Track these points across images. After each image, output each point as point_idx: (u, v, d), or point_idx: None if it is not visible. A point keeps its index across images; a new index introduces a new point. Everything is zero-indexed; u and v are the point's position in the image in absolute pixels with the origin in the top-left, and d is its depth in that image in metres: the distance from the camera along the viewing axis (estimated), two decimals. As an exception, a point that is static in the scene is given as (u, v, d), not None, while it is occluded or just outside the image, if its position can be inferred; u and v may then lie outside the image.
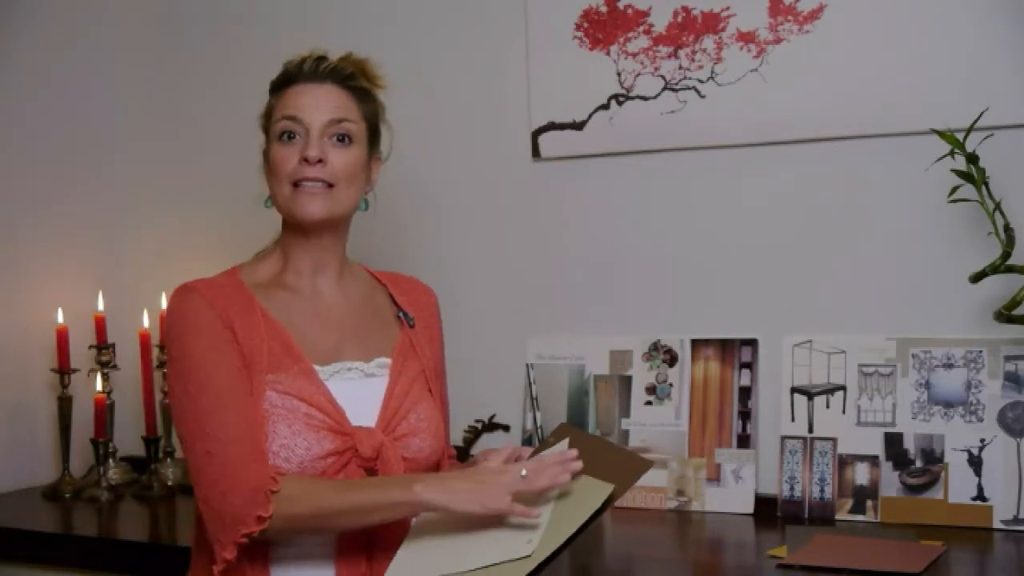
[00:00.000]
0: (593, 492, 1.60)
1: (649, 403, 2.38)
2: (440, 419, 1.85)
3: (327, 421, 1.70)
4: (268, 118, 1.82)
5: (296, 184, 1.76)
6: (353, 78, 1.82)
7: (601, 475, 1.61)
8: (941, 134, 1.99)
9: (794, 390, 2.26)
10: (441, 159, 2.57)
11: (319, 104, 1.78)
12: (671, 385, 2.37)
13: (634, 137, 2.39)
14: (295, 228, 1.81)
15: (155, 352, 2.72)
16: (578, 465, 1.62)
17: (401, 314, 1.90)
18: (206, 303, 1.72)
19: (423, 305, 1.94)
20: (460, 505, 1.60)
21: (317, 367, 1.75)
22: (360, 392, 1.76)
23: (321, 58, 1.81)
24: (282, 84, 1.82)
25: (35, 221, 2.73)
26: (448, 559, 1.60)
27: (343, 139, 1.78)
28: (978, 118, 1.99)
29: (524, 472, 1.60)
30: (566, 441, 1.70)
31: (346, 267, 1.88)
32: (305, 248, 1.82)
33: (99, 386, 2.66)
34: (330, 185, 1.77)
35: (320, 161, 1.75)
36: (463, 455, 2.46)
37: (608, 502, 1.60)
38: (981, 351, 2.13)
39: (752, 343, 2.32)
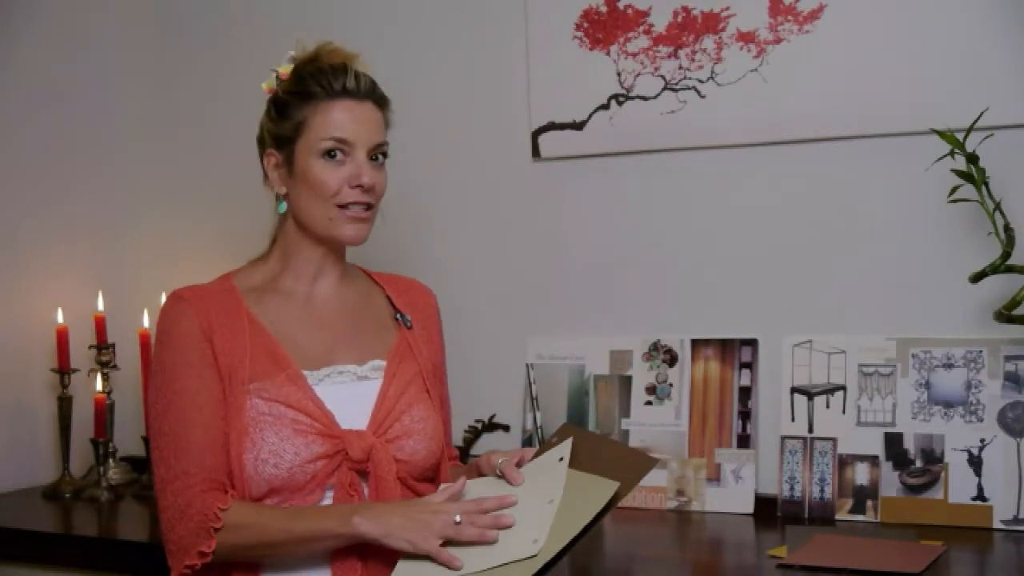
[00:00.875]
0: (598, 490, 1.59)
1: (649, 403, 2.38)
2: (437, 421, 1.84)
3: (315, 425, 1.70)
4: (298, 127, 1.77)
5: (341, 206, 1.76)
6: (383, 96, 1.82)
7: (606, 473, 1.61)
8: (941, 134, 1.99)
9: (794, 390, 2.26)
10: (441, 159, 2.57)
11: (365, 126, 1.78)
12: (671, 385, 2.37)
13: (634, 137, 2.39)
14: (307, 234, 1.81)
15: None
16: (509, 520, 1.60)
17: (398, 316, 1.89)
18: (191, 313, 1.73)
19: (421, 306, 1.93)
20: (392, 540, 1.61)
21: (307, 372, 1.75)
22: (351, 395, 1.76)
23: (356, 71, 1.78)
24: (316, 95, 1.77)
25: (35, 221, 2.73)
26: None
27: (377, 158, 1.80)
28: (978, 118, 1.99)
29: (458, 518, 1.59)
30: (568, 442, 1.69)
31: (345, 270, 1.89)
32: (312, 254, 1.82)
33: (99, 386, 2.66)
34: (371, 206, 1.79)
35: (372, 187, 1.77)
36: (463, 455, 2.47)
37: (613, 500, 1.59)
38: (981, 351, 2.13)
39: (752, 343, 2.32)
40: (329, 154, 1.76)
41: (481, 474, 1.75)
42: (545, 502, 1.60)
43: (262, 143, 1.84)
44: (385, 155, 1.82)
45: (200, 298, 1.76)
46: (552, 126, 2.46)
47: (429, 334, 1.92)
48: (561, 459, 1.66)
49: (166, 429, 1.70)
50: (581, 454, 1.66)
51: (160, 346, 1.76)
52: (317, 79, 1.77)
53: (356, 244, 1.81)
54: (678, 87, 2.35)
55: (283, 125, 1.79)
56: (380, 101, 1.82)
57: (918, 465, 2.15)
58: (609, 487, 1.59)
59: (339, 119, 1.76)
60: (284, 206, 1.81)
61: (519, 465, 1.70)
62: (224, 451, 1.68)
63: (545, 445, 1.74)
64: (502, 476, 1.69)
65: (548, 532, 1.56)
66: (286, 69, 1.82)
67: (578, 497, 1.60)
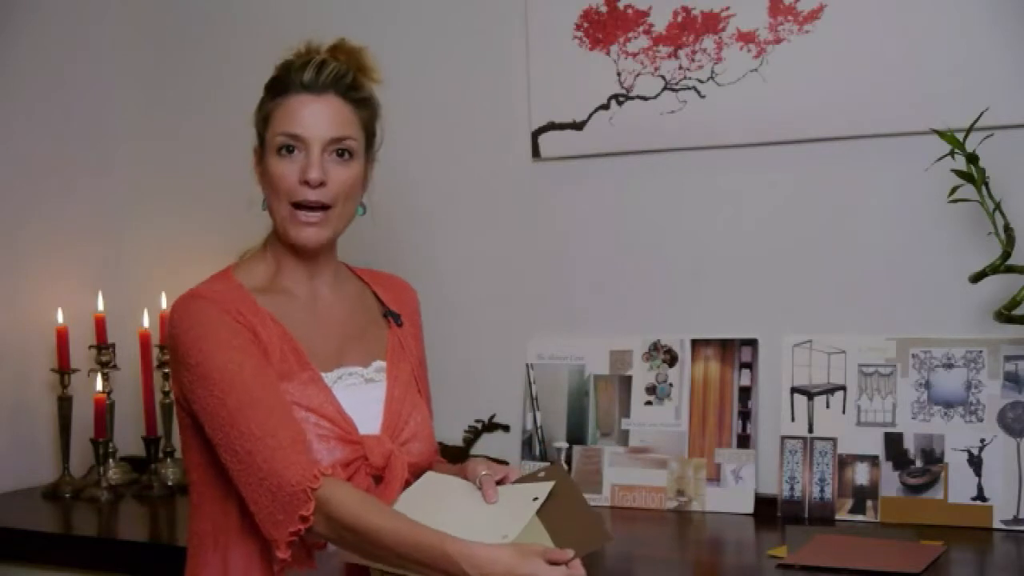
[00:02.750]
0: (542, 541, 1.58)
1: (649, 403, 2.38)
2: (430, 420, 1.85)
3: (335, 430, 1.68)
4: (265, 122, 1.75)
5: (295, 204, 1.72)
6: (354, 88, 1.76)
7: (564, 534, 1.59)
8: (941, 134, 1.99)
9: (794, 390, 2.26)
10: (441, 159, 2.57)
11: (321, 120, 1.72)
12: (671, 385, 2.37)
13: (634, 137, 2.39)
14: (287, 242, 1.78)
15: (155, 352, 2.72)
16: None
17: (388, 314, 1.88)
18: (219, 309, 1.67)
19: (406, 302, 1.92)
20: None
21: (322, 374, 1.73)
22: (362, 398, 1.75)
23: (322, 64, 1.73)
24: (280, 90, 1.74)
25: (35, 221, 2.73)
26: None
27: (343, 154, 1.74)
28: (978, 118, 1.99)
29: None
30: (548, 486, 1.66)
31: (337, 268, 1.87)
32: (297, 260, 1.79)
33: (99, 386, 2.66)
34: (328, 206, 1.73)
35: (322, 183, 1.71)
36: (463, 455, 2.47)
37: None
38: (981, 351, 2.13)
39: (752, 343, 2.32)
40: (285, 148, 1.72)
41: (466, 478, 1.74)
42: (499, 535, 1.57)
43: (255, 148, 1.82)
44: (350, 151, 1.74)
45: (220, 296, 1.70)
46: (552, 126, 2.46)
47: (414, 330, 1.92)
48: (535, 499, 1.64)
49: (234, 407, 1.60)
50: (554, 504, 1.63)
51: (194, 342, 1.65)
52: (284, 73, 1.75)
53: (310, 247, 1.75)
54: (678, 87, 2.35)
55: (256, 120, 1.78)
56: (348, 93, 1.75)
57: (918, 465, 2.14)
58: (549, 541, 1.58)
59: (293, 113, 1.72)
60: (264, 204, 1.78)
61: (502, 483, 1.69)
62: (296, 418, 1.63)
63: (530, 475, 1.72)
64: (479, 488, 1.68)
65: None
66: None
67: (523, 539, 1.58)
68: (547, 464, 1.76)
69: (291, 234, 1.74)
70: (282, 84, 1.75)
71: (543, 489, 1.65)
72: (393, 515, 1.58)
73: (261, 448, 1.59)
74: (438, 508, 1.65)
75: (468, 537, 1.53)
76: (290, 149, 1.72)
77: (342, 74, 1.75)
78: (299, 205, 1.72)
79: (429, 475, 1.75)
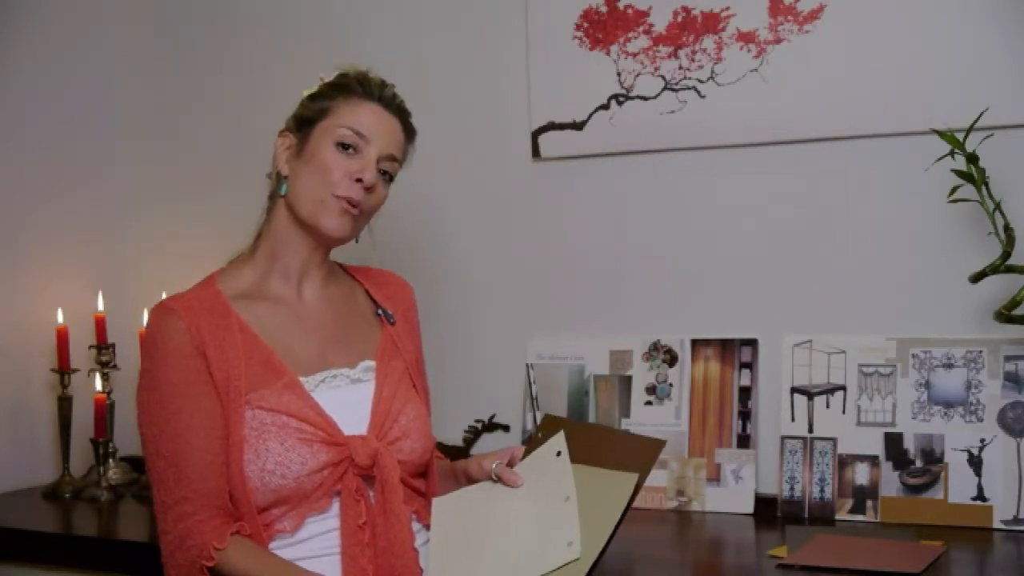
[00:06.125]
0: (617, 484, 1.54)
1: (649, 403, 2.38)
2: (427, 416, 1.85)
3: (318, 433, 1.69)
4: (323, 113, 1.80)
5: (336, 196, 1.76)
6: (411, 128, 1.86)
7: (615, 464, 1.56)
8: (941, 134, 1.99)
9: (794, 390, 2.26)
10: (441, 159, 2.57)
11: (386, 133, 1.80)
12: (671, 385, 2.37)
13: (634, 137, 2.39)
14: (297, 224, 1.79)
15: (155, 352, 2.71)
16: None
17: (381, 312, 1.89)
18: (182, 327, 1.70)
19: (400, 298, 1.94)
20: None
21: (302, 378, 1.73)
22: (348, 399, 1.75)
23: (394, 91, 1.83)
24: (351, 91, 1.81)
25: (35, 221, 2.73)
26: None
27: (385, 174, 1.81)
28: (978, 118, 1.99)
29: None
30: (561, 435, 1.65)
31: (330, 269, 1.88)
32: (300, 247, 1.81)
33: (99, 386, 2.66)
34: (361, 212, 1.79)
35: (369, 189, 1.77)
36: (463, 455, 2.46)
37: (635, 491, 1.55)
38: (981, 351, 2.13)
39: (752, 343, 2.32)
40: (345, 145, 1.77)
41: (472, 481, 1.74)
42: (560, 501, 1.56)
43: (282, 132, 1.86)
44: (391, 175, 1.82)
45: (189, 308, 1.72)
46: (552, 126, 2.46)
47: (409, 326, 1.92)
48: (559, 453, 1.62)
49: (163, 451, 1.68)
50: (580, 447, 1.61)
51: (151, 361, 1.72)
52: (359, 80, 1.82)
53: (335, 237, 1.79)
54: (678, 87, 2.35)
55: (310, 108, 1.82)
56: (407, 127, 1.85)
57: (918, 465, 2.15)
58: (628, 479, 1.54)
59: (364, 115, 1.79)
60: (285, 188, 1.81)
61: (511, 465, 1.69)
62: (224, 471, 1.66)
63: (533, 441, 1.70)
64: (498, 481, 1.68)
65: (579, 532, 1.51)
66: (330, 76, 1.86)
67: (597, 493, 1.55)
68: (539, 421, 1.71)
69: (322, 219, 1.77)
70: (354, 87, 1.81)
71: (558, 442, 1.63)
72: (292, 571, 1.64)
73: (174, 505, 1.66)
74: (484, 530, 1.61)
75: (539, 525, 1.54)
76: (346, 147, 1.77)
77: (407, 111, 1.86)
78: (338, 196, 1.76)
79: (438, 504, 1.72)
